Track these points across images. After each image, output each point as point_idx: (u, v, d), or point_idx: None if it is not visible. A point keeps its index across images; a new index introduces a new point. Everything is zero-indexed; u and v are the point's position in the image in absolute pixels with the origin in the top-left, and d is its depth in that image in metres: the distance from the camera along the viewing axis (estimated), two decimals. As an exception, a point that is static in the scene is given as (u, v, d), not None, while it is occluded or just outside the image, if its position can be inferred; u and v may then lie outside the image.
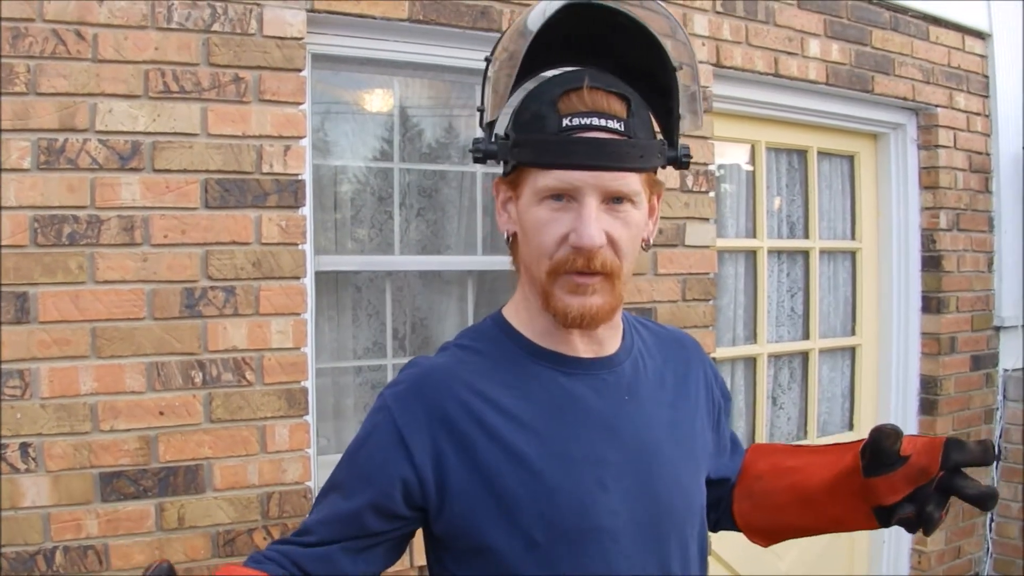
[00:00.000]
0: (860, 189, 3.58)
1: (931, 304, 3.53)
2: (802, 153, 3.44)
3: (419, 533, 1.11)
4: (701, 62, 2.73)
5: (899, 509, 1.00)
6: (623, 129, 0.98)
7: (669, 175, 2.68)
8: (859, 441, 1.07)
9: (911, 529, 1.01)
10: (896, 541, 3.53)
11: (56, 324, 1.91)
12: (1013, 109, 3.73)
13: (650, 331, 1.22)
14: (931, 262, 3.53)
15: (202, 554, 2.03)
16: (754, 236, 3.29)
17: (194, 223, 2.03)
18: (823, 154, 3.50)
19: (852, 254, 3.61)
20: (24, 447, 1.88)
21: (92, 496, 1.94)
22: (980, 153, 3.68)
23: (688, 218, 2.78)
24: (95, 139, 1.94)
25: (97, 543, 1.94)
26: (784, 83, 3.07)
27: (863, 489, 1.04)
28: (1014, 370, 3.75)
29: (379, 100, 2.58)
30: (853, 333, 3.61)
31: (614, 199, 0.99)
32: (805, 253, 3.47)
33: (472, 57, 2.43)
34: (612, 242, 0.99)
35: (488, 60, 1.07)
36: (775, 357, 3.40)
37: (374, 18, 2.26)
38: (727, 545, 2.85)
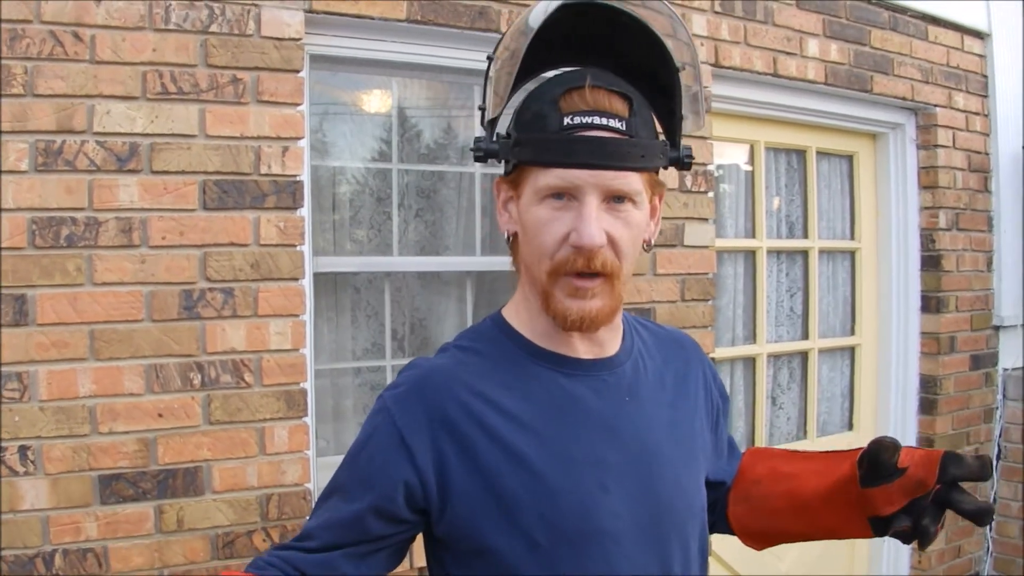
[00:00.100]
0: (859, 189, 3.58)
1: (930, 304, 3.53)
2: (801, 153, 3.44)
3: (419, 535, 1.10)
4: (700, 62, 2.72)
5: (895, 521, 1.00)
6: (624, 128, 0.97)
7: (668, 175, 2.67)
8: (856, 450, 1.06)
9: (906, 541, 1.01)
10: (896, 541, 3.51)
11: (54, 326, 1.90)
12: (1012, 109, 3.73)
13: (650, 332, 1.22)
14: (930, 262, 3.53)
15: (201, 556, 2.03)
16: (753, 236, 3.29)
17: (192, 224, 2.03)
18: (822, 154, 3.49)
19: (851, 254, 3.61)
20: (23, 450, 1.87)
21: (91, 499, 1.93)
22: (979, 153, 3.68)
23: (687, 218, 2.78)
24: (93, 141, 1.93)
25: (96, 546, 1.93)
26: (783, 83, 3.07)
27: (859, 499, 1.03)
28: (1014, 369, 3.75)
29: (377, 101, 2.58)
30: (852, 333, 3.61)
31: (615, 198, 0.98)
32: (804, 253, 3.47)
33: (470, 57, 2.42)
34: (612, 242, 0.99)
35: (490, 59, 1.06)
36: (774, 357, 3.39)
37: (372, 19, 2.25)
38: (727, 545, 2.85)
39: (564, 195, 0.98)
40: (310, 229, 2.21)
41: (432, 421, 1.01)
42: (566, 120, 0.97)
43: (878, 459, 0.98)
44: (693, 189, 2.79)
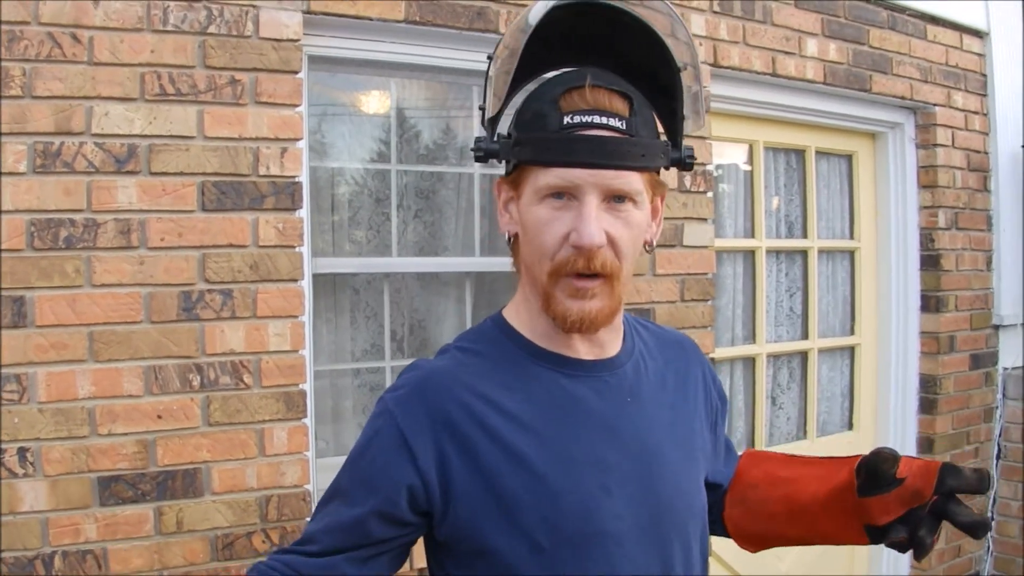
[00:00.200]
0: (858, 188, 3.58)
1: (930, 303, 3.53)
2: (800, 153, 3.44)
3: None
4: (700, 62, 2.72)
5: (891, 531, 1.00)
6: (625, 127, 0.97)
7: (667, 175, 2.67)
8: (854, 457, 1.06)
9: (903, 551, 1.01)
10: (896, 541, 3.52)
11: (53, 328, 1.90)
12: (1011, 107, 3.73)
13: (650, 332, 1.21)
14: (930, 261, 3.53)
15: (201, 558, 2.03)
16: (752, 236, 3.28)
17: (191, 226, 2.03)
18: (821, 153, 3.49)
19: (851, 253, 3.61)
20: (22, 452, 1.87)
21: (90, 500, 1.93)
22: (978, 152, 3.67)
23: (686, 218, 2.78)
24: (91, 142, 1.93)
25: (96, 547, 1.93)
26: (782, 83, 3.07)
27: (856, 507, 1.03)
28: (1013, 368, 3.74)
29: (376, 102, 2.57)
30: (852, 332, 3.61)
31: (615, 198, 0.98)
32: (804, 253, 3.46)
33: (469, 58, 2.42)
34: (612, 242, 0.98)
35: (490, 58, 1.06)
36: (774, 357, 3.39)
37: (370, 19, 2.25)
38: (727, 545, 2.84)
39: (564, 195, 0.98)
40: (309, 230, 2.21)
41: (434, 423, 1.01)
42: (566, 119, 0.97)
43: (877, 470, 0.98)
44: (692, 189, 2.79)
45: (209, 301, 2.04)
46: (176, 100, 2.01)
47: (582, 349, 1.08)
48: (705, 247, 2.83)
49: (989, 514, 3.70)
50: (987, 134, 3.71)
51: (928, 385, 3.53)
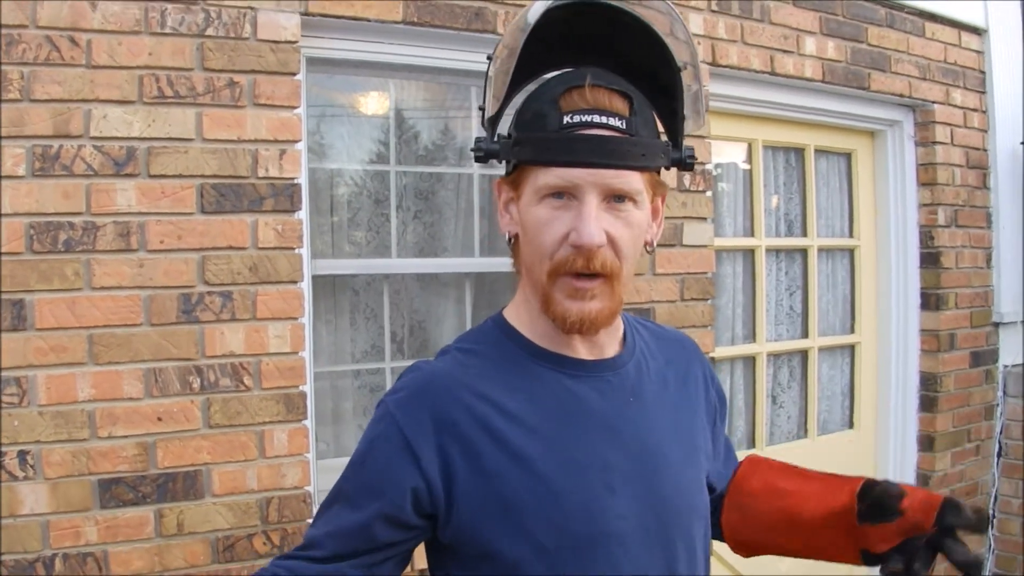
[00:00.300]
0: (858, 186, 3.58)
1: (930, 301, 3.53)
2: (799, 151, 3.44)
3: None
4: (700, 61, 2.72)
5: (888, 560, 1.02)
6: (625, 127, 0.97)
7: (666, 175, 2.67)
8: (855, 479, 1.08)
9: None
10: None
11: (53, 331, 1.90)
12: (1010, 104, 3.72)
13: (651, 332, 1.21)
14: (930, 259, 3.52)
15: (202, 560, 2.03)
16: (752, 235, 3.28)
17: (190, 228, 2.03)
18: (820, 152, 3.49)
19: (850, 252, 3.61)
20: (22, 455, 1.87)
21: (91, 503, 1.93)
22: (977, 149, 3.67)
23: (686, 218, 2.78)
24: (90, 145, 1.93)
25: (96, 550, 1.93)
26: (780, 81, 3.07)
27: (855, 531, 1.05)
28: (1014, 366, 3.74)
29: (375, 103, 2.57)
30: (852, 331, 3.60)
31: (615, 198, 0.98)
32: (803, 251, 3.46)
33: (467, 59, 2.42)
34: (612, 242, 0.98)
35: (490, 59, 1.06)
36: (774, 356, 3.39)
37: (368, 21, 2.25)
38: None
39: (564, 194, 0.98)
40: (308, 232, 2.21)
41: (436, 425, 1.00)
42: (566, 119, 0.96)
43: (882, 503, 1.01)
44: (691, 188, 2.78)
45: (209, 303, 2.04)
46: (175, 102, 2.01)
47: (581, 350, 1.07)
48: (705, 246, 2.82)
49: (990, 511, 3.70)
50: (986, 131, 3.70)
51: (928, 383, 3.53)
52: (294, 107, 2.14)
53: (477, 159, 1.04)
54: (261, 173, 2.09)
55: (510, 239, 1.09)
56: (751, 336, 3.29)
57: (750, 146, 3.27)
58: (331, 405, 2.51)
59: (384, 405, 1.04)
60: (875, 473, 3.57)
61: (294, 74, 2.14)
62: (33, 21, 1.88)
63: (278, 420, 2.11)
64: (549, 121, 0.97)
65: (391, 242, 2.55)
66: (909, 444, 3.54)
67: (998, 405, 3.73)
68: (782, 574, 3.22)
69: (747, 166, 3.29)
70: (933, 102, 3.49)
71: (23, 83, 1.87)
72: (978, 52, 3.67)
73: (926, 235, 3.53)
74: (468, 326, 2.57)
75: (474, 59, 2.32)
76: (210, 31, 2.04)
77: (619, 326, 1.12)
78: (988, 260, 3.71)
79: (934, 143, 3.50)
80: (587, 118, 0.96)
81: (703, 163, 2.80)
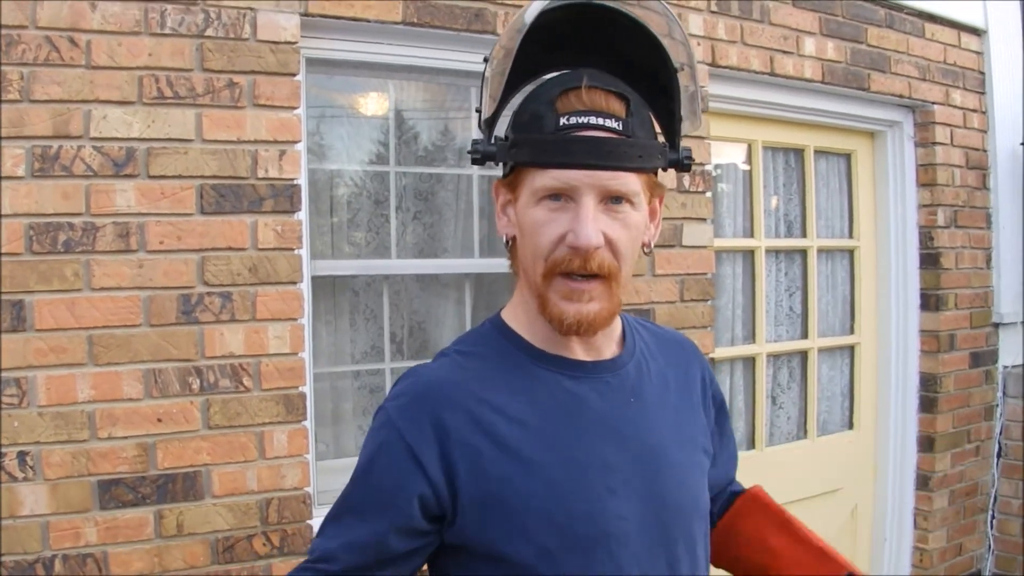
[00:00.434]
0: (857, 187, 3.58)
1: (930, 301, 3.53)
2: (799, 152, 3.44)
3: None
4: (696, 62, 2.72)
5: None
6: (621, 128, 0.97)
7: (665, 175, 2.67)
8: (842, 563, 1.11)
9: None
10: (898, 539, 3.53)
11: (52, 332, 1.90)
12: (1010, 105, 3.72)
13: (651, 332, 1.21)
14: (929, 259, 3.52)
15: (201, 561, 2.03)
16: (752, 236, 3.28)
17: (190, 229, 2.03)
18: (820, 152, 3.49)
19: (850, 252, 3.61)
20: (22, 455, 1.87)
21: (91, 504, 1.93)
22: (977, 150, 3.67)
23: (685, 218, 2.78)
24: (89, 146, 1.93)
25: (96, 551, 1.93)
26: (780, 82, 3.07)
27: None
28: (1014, 366, 3.74)
29: (374, 103, 2.57)
30: (852, 331, 3.60)
31: (612, 199, 0.98)
32: (803, 252, 3.46)
33: (467, 59, 2.42)
34: (610, 243, 0.98)
35: (486, 60, 1.06)
36: (774, 356, 3.39)
37: (368, 21, 2.25)
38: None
39: (561, 196, 0.97)
40: (308, 233, 2.21)
41: (438, 431, 1.00)
42: (562, 120, 0.96)
43: None
44: (691, 189, 2.78)
45: (208, 304, 2.04)
46: (174, 103, 2.01)
47: (579, 351, 1.07)
48: (704, 247, 2.82)
49: (990, 512, 3.70)
50: (986, 132, 3.70)
51: (928, 384, 3.53)
52: (294, 108, 2.14)
53: (474, 161, 1.04)
54: (261, 174, 2.09)
55: (508, 241, 1.08)
56: (751, 337, 3.29)
57: (750, 147, 3.27)
58: (331, 406, 2.51)
59: (385, 412, 1.04)
60: (875, 474, 3.58)
61: (294, 75, 2.14)
62: (33, 21, 1.88)
63: (278, 421, 2.11)
64: (546, 123, 0.97)
65: (391, 243, 2.55)
66: (909, 445, 3.54)
67: (998, 406, 3.73)
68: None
69: (747, 167, 3.29)
70: (933, 103, 3.49)
71: (23, 84, 1.87)
72: (978, 53, 3.68)
73: (926, 236, 3.53)
74: (468, 327, 2.57)
75: (474, 60, 2.32)
76: (210, 32, 2.04)
77: (617, 327, 1.13)
78: (988, 261, 3.71)
79: (934, 144, 3.50)
80: (583, 120, 0.96)
81: (702, 164, 2.80)
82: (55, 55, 1.90)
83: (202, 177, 2.04)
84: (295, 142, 2.14)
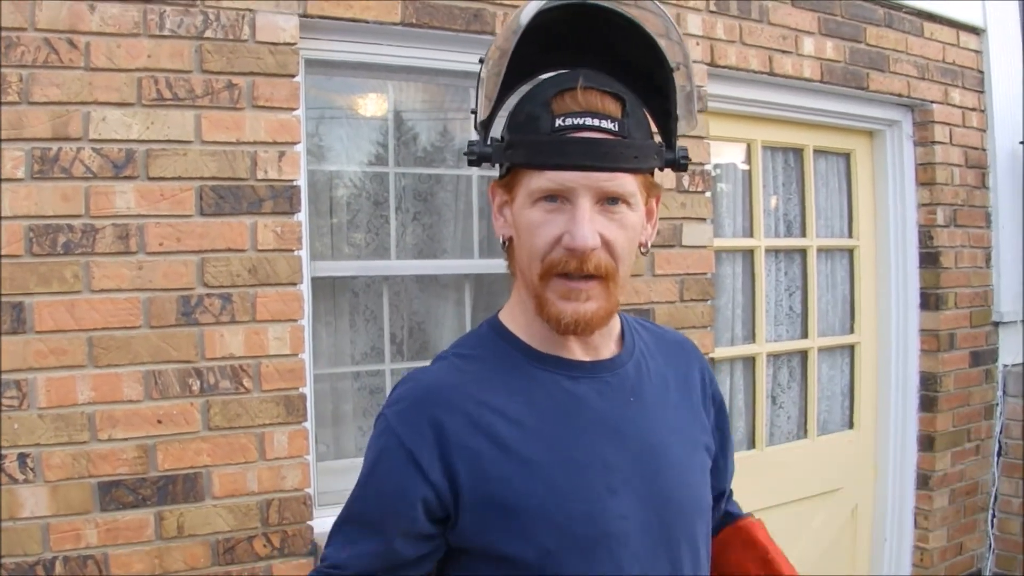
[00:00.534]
0: (857, 186, 3.58)
1: (930, 300, 3.53)
2: (798, 151, 3.44)
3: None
4: (695, 62, 2.72)
5: None
6: (617, 129, 0.97)
7: (665, 175, 2.67)
8: None
9: None
10: (898, 539, 3.53)
11: (52, 334, 1.90)
12: (1009, 104, 3.72)
13: (650, 332, 1.21)
14: (929, 258, 3.52)
15: (202, 562, 2.03)
16: (751, 235, 3.28)
17: (189, 231, 2.03)
18: (819, 152, 3.49)
19: (850, 252, 3.61)
20: (22, 457, 1.87)
21: (91, 506, 1.93)
22: (976, 149, 3.67)
23: (685, 218, 2.78)
24: (89, 148, 1.94)
25: (97, 552, 1.93)
26: (779, 81, 3.07)
27: None
28: (1014, 365, 3.74)
29: (373, 104, 2.58)
30: (852, 331, 3.60)
31: (609, 200, 0.98)
32: (803, 251, 3.46)
33: (466, 60, 2.42)
34: (607, 244, 0.98)
35: (482, 61, 1.06)
36: (774, 356, 3.39)
37: (367, 22, 2.25)
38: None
39: (557, 197, 0.97)
40: (307, 234, 2.21)
41: (437, 434, 1.00)
42: (558, 122, 0.96)
43: None
44: (690, 189, 2.79)
45: (208, 305, 2.04)
46: (173, 105, 2.01)
47: (577, 351, 1.07)
48: (704, 247, 2.83)
49: (990, 511, 3.70)
50: (985, 131, 3.70)
51: (928, 383, 3.53)
52: (293, 109, 2.14)
53: (470, 163, 1.04)
54: (260, 175, 2.09)
55: (504, 242, 1.09)
56: (751, 337, 3.29)
57: (749, 146, 3.27)
58: (331, 407, 2.51)
59: (384, 419, 1.04)
60: (875, 473, 3.58)
61: (293, 76, 2.14)
62: (32, 23, 1.88)
63: (278, 422, 2.11)
64: (541, 124, 0.97)
65: (390, 244, 2.55)
66: (909, 444, 3.54)
67: (998, 405, 3.73)
68: (782, 574, 3.23)
69: (746, 166, 3.29)
70: (932, 102, 3.49)
71: (22, 85, 1.88)
72: (976, 52, 3.68)
73: (925, 235, 3.53)
74: (468, 327, 2.57)
75: (472, 60, 2.30)
76: (209, 33, 2.04)
77: (615, 327, 1.13)
78: (987, 260, 3.71)
79: (933, 143, 3.50)
80: (579, 121, 0.96)
81: (702, 164, 2.80)
82: (54, 57, 1.90)
83: (201, 178, 2.04)
84: (294, 143, 2.14)
